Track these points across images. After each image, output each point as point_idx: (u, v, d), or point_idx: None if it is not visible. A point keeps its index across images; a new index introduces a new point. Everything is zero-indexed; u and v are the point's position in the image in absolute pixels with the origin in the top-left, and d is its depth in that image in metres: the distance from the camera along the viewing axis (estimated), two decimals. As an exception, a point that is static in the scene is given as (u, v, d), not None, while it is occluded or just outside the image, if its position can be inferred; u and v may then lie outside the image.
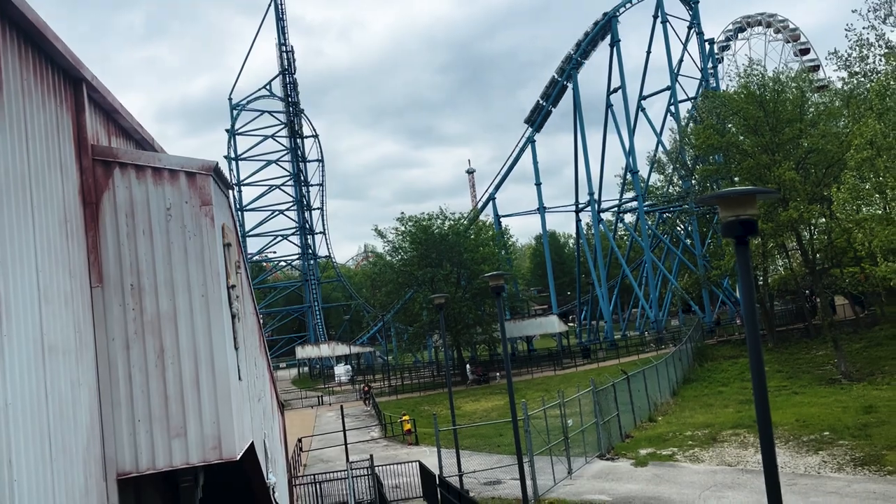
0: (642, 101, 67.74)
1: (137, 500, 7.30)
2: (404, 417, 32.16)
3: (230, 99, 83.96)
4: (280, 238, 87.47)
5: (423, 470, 20.26)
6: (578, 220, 72.45)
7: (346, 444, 22.92)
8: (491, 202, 71.11)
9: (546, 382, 45.87)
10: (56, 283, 5.68)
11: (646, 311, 66.58)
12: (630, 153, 64.92)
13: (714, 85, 66.31)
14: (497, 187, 71.19)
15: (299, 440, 28.39)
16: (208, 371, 6.54)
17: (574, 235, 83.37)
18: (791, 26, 77.39)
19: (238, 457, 6.62)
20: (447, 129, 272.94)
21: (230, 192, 7.94)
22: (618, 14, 66.55)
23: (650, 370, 30.73)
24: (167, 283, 6.58)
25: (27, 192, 5.30)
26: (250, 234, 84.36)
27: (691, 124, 57.54)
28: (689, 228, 65.60)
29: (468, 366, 55.72)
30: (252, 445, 7.95)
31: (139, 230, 6.62)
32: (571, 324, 79.28)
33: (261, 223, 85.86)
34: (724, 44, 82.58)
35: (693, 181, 55.61)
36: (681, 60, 68.01)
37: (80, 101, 6.63)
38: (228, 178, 7.68)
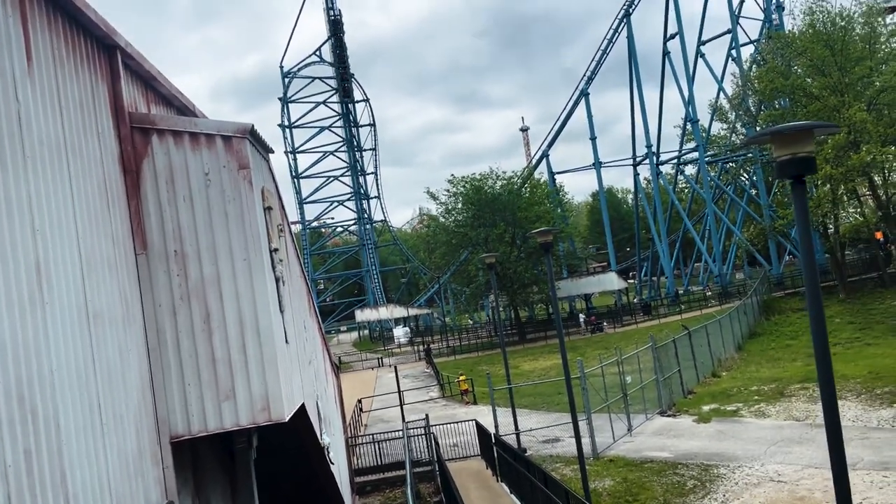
0: (701, 47, 64.90)
1: (194, 461, 7.46)
2: (461, 377, 32.35)
3: (281, 67, 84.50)
4: (336, 204, 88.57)
5: (480, 429, 20.36)
6: (636, 175, 70.62)
7: (401, 403, 23.23)
8: (545, 160, 69.95)
9: (605, 340, 45.41)
10: (99, 250, 5.72)
11: (709, 265, 64.87)
12: (690, 102, 62.58)
13: (778, 25, 62.82)
14: (550, 144, 69.86)
15: (359, 401, 28.92)
16: (254, 335, 6.55)
17: (632, 191, 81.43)
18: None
19: (287, 418, 6.66)
20: (491, 92, 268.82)
21: (269, 154, 7.86)
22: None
23: (713, 325, 29.95)
24: (209, 248, 6.57)
25: (63, 159, 5.31)
26: (307, 201, 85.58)
27: (754, 68, 54.89)
28: (754, 178, 63.10)
29: (582, 316, 57.57)
30: (303, 407, 8.00)
31: (179, 196, 6.61)
32: (632, 280, 78.04)
33: (317, 190, 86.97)
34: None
35: (757, 128, 53.21)
36: (742, 1, 64.64)
37: (115, 68, 6.59)
38: (266, 140, 7.57)
